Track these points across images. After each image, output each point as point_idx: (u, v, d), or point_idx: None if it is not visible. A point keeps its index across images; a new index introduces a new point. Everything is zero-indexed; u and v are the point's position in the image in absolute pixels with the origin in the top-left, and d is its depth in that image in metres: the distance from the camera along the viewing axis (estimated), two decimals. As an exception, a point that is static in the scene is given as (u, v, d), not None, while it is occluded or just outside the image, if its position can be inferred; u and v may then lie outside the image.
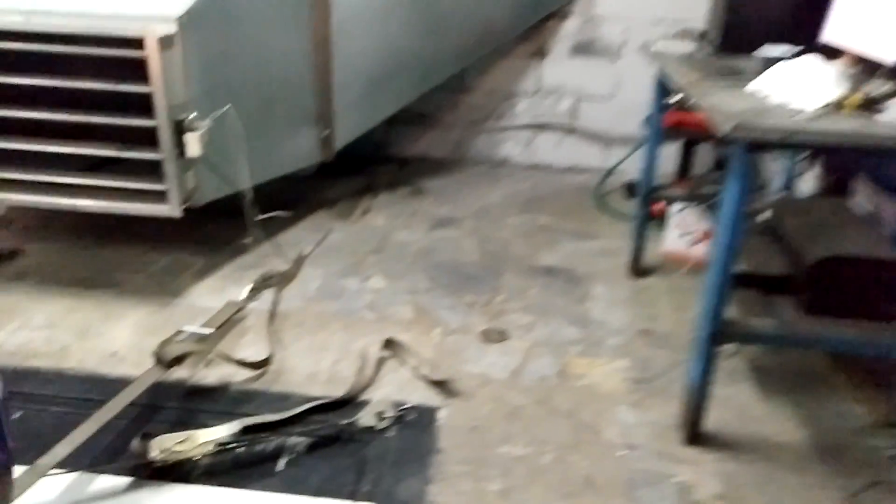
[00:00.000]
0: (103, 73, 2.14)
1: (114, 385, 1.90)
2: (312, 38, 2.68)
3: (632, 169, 3.52)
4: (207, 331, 2.04)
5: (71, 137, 2.22)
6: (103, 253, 2.68)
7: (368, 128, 3.17)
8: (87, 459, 1.65)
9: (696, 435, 1.83)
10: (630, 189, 3.46)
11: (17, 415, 1.80)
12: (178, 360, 1.88)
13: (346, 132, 2.99)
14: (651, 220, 2.74)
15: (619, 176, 3.57)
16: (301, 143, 2.80)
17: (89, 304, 2.34)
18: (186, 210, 2.30)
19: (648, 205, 2.65)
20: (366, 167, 3.68)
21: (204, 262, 2.63)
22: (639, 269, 2.69)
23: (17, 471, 1.52)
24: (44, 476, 1.52)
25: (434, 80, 3.37)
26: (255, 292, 2.39)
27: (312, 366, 2.06)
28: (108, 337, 2.16)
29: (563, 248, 2.89)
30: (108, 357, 2.06)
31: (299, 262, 2.65)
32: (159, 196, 2.20)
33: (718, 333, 1.71)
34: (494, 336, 2.24)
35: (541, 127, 3.82)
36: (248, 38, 2.42)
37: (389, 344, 2.12)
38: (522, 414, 1.90)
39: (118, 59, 2.08)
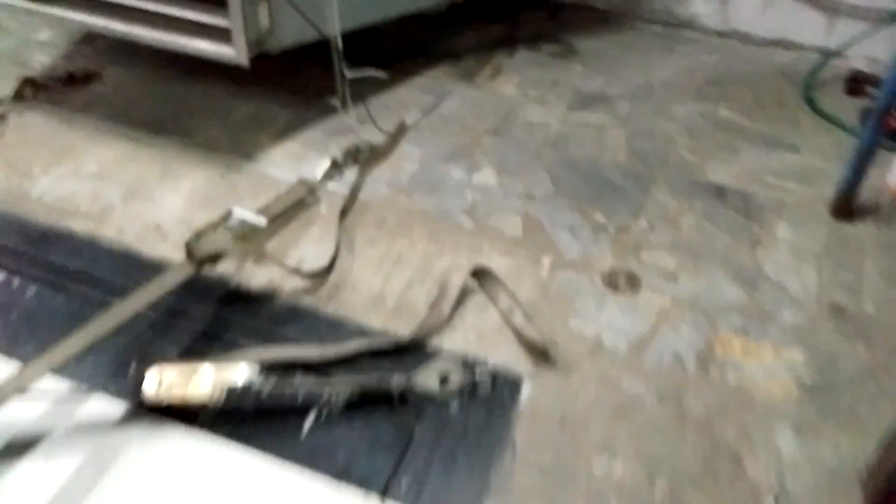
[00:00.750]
0: None
1: (146, 269, 1.59)
2: None
3: (862, 54, 2.62)
4: (261, 220, 1.64)
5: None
6: (184, 88, 2.30)
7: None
8: (88, 369, 1.37)
9: None
10: (856, 83, 2.55)
11: (31, 291, 1.54)
12: (212, 259, 1.51)
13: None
14: (884, 136, 1.94)
15: (843, 62, 2.66)
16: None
17: (150, 154, 2.00)
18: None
19: (887, 113, 1.83)
20: (508, 12, 2.97)
21: (289, 119, 2.19)
22: (847, 207, 1.94)
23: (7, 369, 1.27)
24: (21, 392, 1.24)
25: None
26: (335, 169, 1.94)
27: (380, 284, 1.63)
28: (157, 202, 1.83)
29: (743, 159, 2.16)
30: (150, 230, 1.74)
31: (398, 133, 2.14)
32: (223, 35, 1.73)
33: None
34: (622, 281, 1.68)
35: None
36: None
37: (480, 273, 1.62)
38: (637, 411, 1.38)
39: None
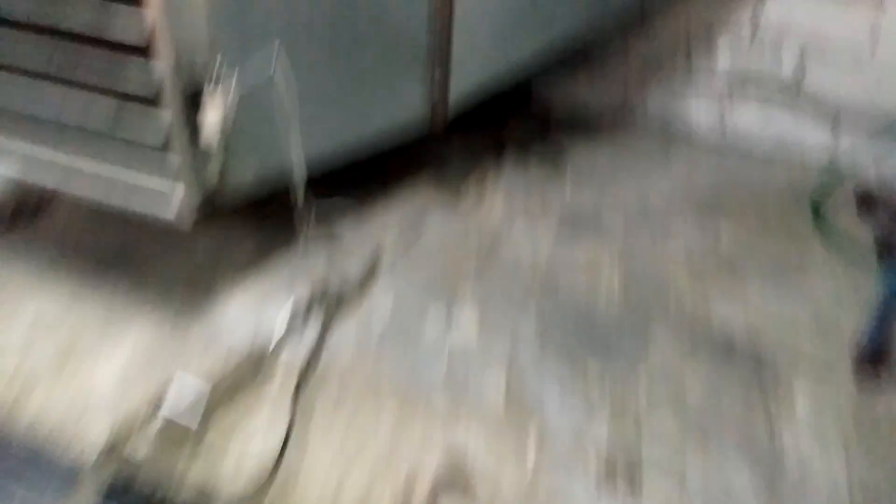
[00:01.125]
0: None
1: (60, 476, 1.35)
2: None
3: (870, 164, 2.46)
4: (196, 415, 1.42)
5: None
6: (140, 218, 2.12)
7: (505, 81, 2.29)
8: None
9: None
10: (867, 202, 2.37)
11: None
12: (129, 478, 1.28)
13: (468, 86, 2.15)
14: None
15: (851, 170, 2.49)
16: (396, 107, 2.00)
17: (94, 301, 1.80)
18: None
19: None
20: (496, 119, 2.82)
21: (251, 252, 2.00)
22: (873, 367, 1.72)
23: None
24: None
25: (608, 10, 2.41)
26: (296, 319, 1.74)
27: (335, 485, 1.39)
28: (92, 368, 1.61)
29: (750, 297, 1.95)
30: (78, 410, 1.51)
31: (370, 271, 1.95)
32: (162, 196, 1.54)
33: None
34: (620, 471, 1.45)
35: (746, 88, 2.73)
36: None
37: (453, 471, 1.40)
38: None
39: None
